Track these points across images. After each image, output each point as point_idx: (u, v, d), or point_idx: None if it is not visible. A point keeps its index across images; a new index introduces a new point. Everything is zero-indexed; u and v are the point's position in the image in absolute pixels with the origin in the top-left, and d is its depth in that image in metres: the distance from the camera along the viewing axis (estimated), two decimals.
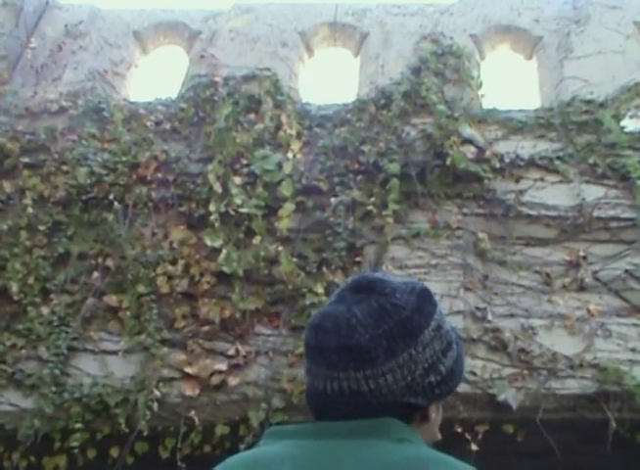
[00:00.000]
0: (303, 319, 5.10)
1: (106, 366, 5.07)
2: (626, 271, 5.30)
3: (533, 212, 5.53)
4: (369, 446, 1.18)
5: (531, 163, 5.74)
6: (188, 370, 4.97)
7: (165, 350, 5.07)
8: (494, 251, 5.45)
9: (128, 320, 5.21)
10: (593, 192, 5.60)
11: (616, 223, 5.48)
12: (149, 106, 6.33)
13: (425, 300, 1.34)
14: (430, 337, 1.31)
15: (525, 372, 4.91)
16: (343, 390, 1.22)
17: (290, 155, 5.78)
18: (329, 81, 7.47)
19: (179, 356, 5.05)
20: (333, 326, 1.25)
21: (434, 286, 5.19)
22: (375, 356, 1.22)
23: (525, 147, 5.82)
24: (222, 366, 4.96)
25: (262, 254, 5.30)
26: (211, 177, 5.55)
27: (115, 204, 5.58)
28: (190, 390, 4.92)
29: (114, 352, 5.12)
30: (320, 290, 5.13)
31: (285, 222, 5.43)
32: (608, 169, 5.67)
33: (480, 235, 5.42)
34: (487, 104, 6.23)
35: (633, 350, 4.96)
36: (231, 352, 5.03)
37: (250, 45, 6.88)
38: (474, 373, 4.90)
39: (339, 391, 1.22)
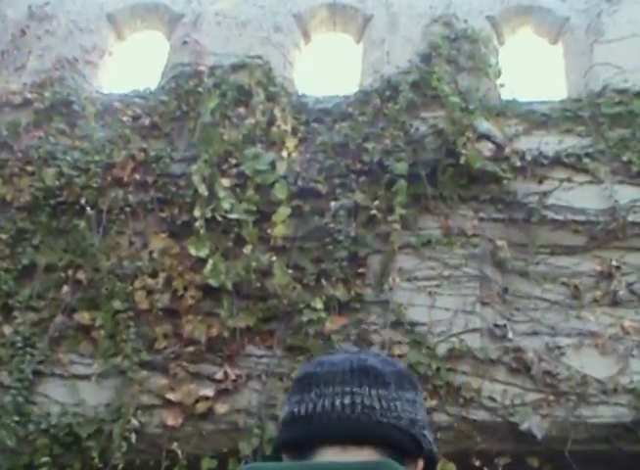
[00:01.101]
0: (300, 338, 5.16)
1: (77, 393, 5.11)
2: None
3: (559, 217, 5.59)
4: None
5: (557, 161, 5.80)
6: (170, 396, 5.01)
7: (144, 373, 5.11)
8: (515, 260, 5.50)
9: (102, 340, 5.25)
10: (627, 193, 5.65)
11: None
12: (125, 98, 6.39)
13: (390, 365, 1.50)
14: (422, 401, 1.44)
15: (552, 398, 4.95)
16: (356, 404, 1.31)
17: (284, 153, 5.84)
18: (328, 70, 7.54)
19: (160, 381, 5.09)
20: (341, 358, 1.37)
21: (447, 300, 5.26)
22: (388, 382, 1.36)
23: (550, 143, 5.88)
24: (209, 392, 5.00)
25: (254, 264, 5.34)
26: (196, 179, 5.61)
27: (88, 209, 5.63)
28: (172, 419, 4.95)
29: (87, 377, 5.15)
30: (319, 305, 5.17)
31: (279, 229, 5.48)
32: None
33: (499, 243, 5.48)
34: (507, 95, 6.29)
35: None
36: (219, 375, 5.06)
37: (238, 30, 6.94)
38: (493, 399, 4.95)
39: (350, 405, 1.31)
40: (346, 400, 1.32)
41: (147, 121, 6.17)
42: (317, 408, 1.33)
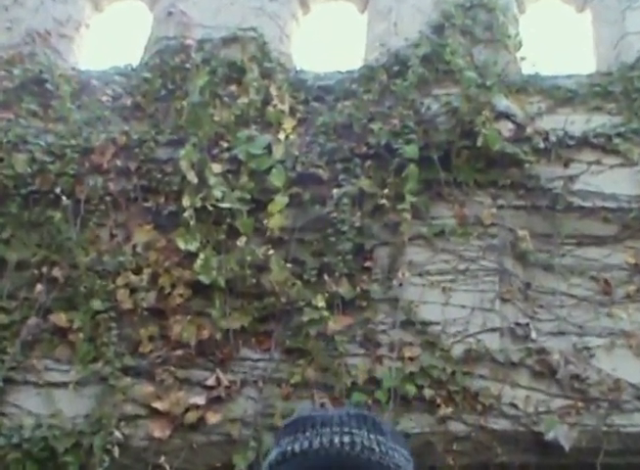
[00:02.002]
0: (300, 340, 5.19)
1: (52, 402, 5.13)
2: None
3: (587, 204, 5.62)
4: None
5: (584, 141, 5.82)
6: (157, 405, 5.03)
7: (128, 380, 5.13)
8: (538, 252, 5.53)
9: (81, 344, 5.27)
10: None
11: None
12: (104, 76, 6.41)
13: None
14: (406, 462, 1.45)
15: (580, 405, 4.97)
16: (355, 443, 1.35)
17: (281, 136, 5.87)
18: (329, 44, 7.53)
19: (145, 389, 5.11)
20: (324, 416, 1.41)
21: (463, 297, 5.29)
22: (386, 431, 1.41)
23: (577, 122, 5.89)
24: (199, 400, 5.02)
25: (248, 259, 5.36)
26: (184, 164, 5.64)
27: (63, 199, 5.64)
28: (159, 430, 4.97)
29: (63, 385, 5.18)
30: (320, 303, 5.19)
31: (276, 220, 5.51)
32: None
33: (521, 233, 5.51)
34: (528, 69, 6.30)
35: None
36: (210, 381, 5.09)
37: None
38: (514, 406, 4.98)
39: (350, 443, 1.35)
40: (346, 439, 1.35)
41: (129, 101, 6.19)
42: (314, 445, 1.35)
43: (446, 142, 5.68)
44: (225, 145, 5.85)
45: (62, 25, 6.99)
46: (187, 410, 5.00)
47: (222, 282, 5.32)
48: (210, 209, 5.54)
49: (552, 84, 6.11)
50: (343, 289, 5.32)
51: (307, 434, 1.36)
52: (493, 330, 5.18)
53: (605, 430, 4.91)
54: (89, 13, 7.39)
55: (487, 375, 5.06)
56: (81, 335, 5.30)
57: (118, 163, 5.86)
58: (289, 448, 1.36)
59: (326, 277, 5.34)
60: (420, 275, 5.38)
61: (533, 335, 5.20)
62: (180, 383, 5.13)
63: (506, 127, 5.70)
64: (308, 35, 7.30)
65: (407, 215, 5.45)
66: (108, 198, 5.75)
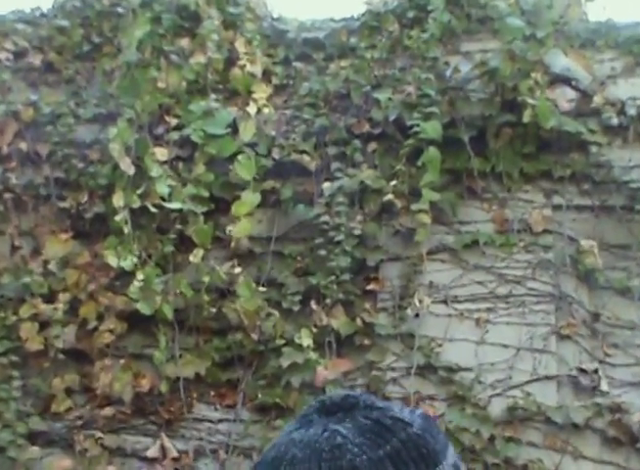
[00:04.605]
0: (278, 393, 5.16)
1: None
2: None
3: None
4: None
5: None
6: None
7: (35, 451, 5.12)
8: (611, 271, 5.53)
9: None
10: None
11: None
12: (3, 25, 6.41)
13: (434, 424, 1.51)
14: None
15: None
16: None
17: (251, 109, 5.86)
18: None
19: (61, 462, 5.09)
20: (307, 453, 1.40)
21: (504, 332, 5.28)
22: None
23: None
24: None
25: (206, 280, 5.36)
26: (115, 149, 5.61)
27: None
28: None
29: None
30: (306, 341, 5.18)
31: (244, 226, 5.50)
32: None
33: (585, 244, 5.51)
34: (597, 14, 6.35)
35: None
36: (153, 451, 5.09)
37: None
38: None
39: None
40: None
41: (37, 60, 6.18)
42: None
43: (481, 117, 5.69)
44: (173, 122, 5.84)
45: None
46: None
47: (169, 312, 5.32)
48: (153, 210, 5.53)
49: (630, 36, 6.11)
50: (338, 322, 5.31)
51: None
52: (548, 379, 5.17)
53: None
54: None
55: (539, 442, 5.05)
56: None
57: (23, 146, 5.86)
58: None
59: (314, 305, 5.33)
60: (444, 302, 5.39)
61: (604, 386, 5.19)
62: (110, 454, 5.12)
63: (564, 97, 5.70)
64: None
65: (426, 219, 5.44)
66: (7, 195, 5.75)
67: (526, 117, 5.55)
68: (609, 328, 5.44)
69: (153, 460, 5.07)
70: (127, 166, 5.60)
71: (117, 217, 5.48)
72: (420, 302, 5.30)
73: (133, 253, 5.44)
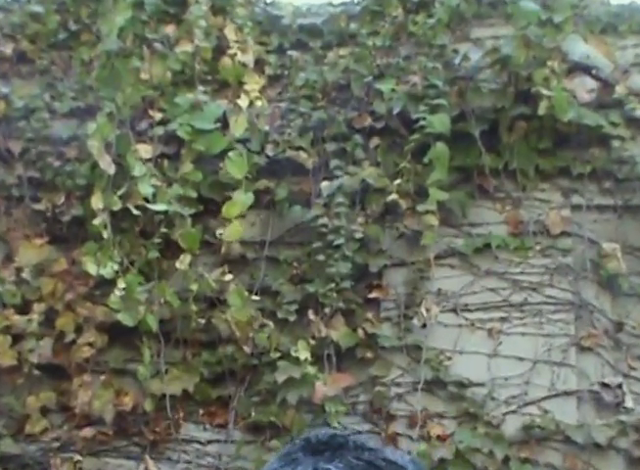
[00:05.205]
0: (273, 411, 5.16)
1: None
2: None
3: None
4: None
5: None
6: None
7: None
8: (635, 276, 5.52)
9: None
10: None
11: None
12: None
13: (425, 469, 1.55)
14: None
15: None
16: None
17: (243, 102, 5.84)
18: None
19: None
20: None
21: (519, 343, 5.27)
22: None
23: None
24: None
25: (194, 288, 5.36)
26: (95, 146, 5.59)
27: None
28: None
29: None
30: (303, 354, 5.16)
31: (235, 229, 5.50)
32: None
33: (608, 247, 5.50)
34: None
35: None
36: None
37: None
38: None
39: None
40: None
41: (8, 49, 6.18)
42: None
43: (493, 110, 5.68)
44: (158, 116, 5.84)
45: None
46: None
47: (153, 324, 5.31)
48: (135, 213, 5.52)
49: None
50: (338, 333, 5.30)
51: None
52: (567, 394, 5.16)
53: None
54: None
55: (558, 464, 5.05)
56: None
57: None
58: None
59: (312, 315, 5.32)
60: (454, 311, 5.38)
61: (629, 402, 5.17)
62: None
63: (584, 87, 5.69)
64: None
65: (433, 221, 5.44)
66: None
67: (542, 110, 5.54)
68: (633, 339, 5.42)
69: None
70: (107, 165, 5.57)
71: (97, 221, 5.47)
72: (427, 311, 5.29)
73: (114, 259, 5.42)
